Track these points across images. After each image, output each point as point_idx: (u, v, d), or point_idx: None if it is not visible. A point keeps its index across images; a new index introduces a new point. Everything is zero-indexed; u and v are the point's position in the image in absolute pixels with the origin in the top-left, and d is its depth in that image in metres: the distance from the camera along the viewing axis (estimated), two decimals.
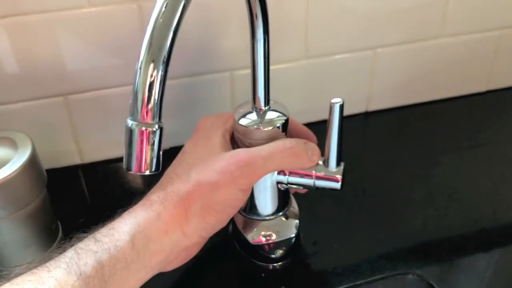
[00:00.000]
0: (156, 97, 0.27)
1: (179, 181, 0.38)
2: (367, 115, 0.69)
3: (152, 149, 0.28)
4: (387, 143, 0.65)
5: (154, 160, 0.29)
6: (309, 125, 0.66)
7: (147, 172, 0.28)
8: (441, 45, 0.67)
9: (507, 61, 0.71)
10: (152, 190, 0.39)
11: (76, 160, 0.61)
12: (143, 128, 0.27)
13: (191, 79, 0.59)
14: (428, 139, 0.65)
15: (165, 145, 0.63)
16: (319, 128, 0.66)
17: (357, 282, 0.46)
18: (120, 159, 0.61)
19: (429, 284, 0.46)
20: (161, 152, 0.28)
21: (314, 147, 0.42)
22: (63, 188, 0.57)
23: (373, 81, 0.67)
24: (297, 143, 0.41)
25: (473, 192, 0.56)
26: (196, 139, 0.42)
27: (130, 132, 0.28)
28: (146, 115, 0.27)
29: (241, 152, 0.39)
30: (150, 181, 0.58)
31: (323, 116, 0.68)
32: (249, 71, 0.61)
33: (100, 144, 0.61)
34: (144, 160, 0.28)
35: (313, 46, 0.61)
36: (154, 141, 0.28)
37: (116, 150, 0.62)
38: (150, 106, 0.27)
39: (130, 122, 0.28)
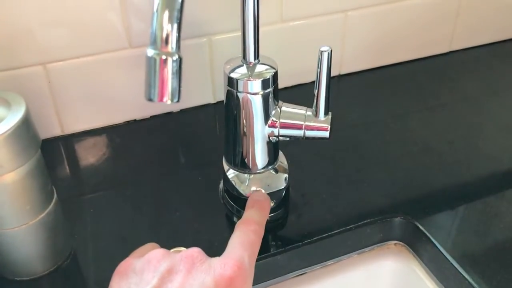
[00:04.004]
0: (176, 27, 0.27)
1: None
2: (340, 78, 0.71)
3: (174, 78, 0.27)
4: (360, 104, 0.67)
5: (177, 90, 0.28)
6: (284, 90, 0.68)
7: (169, 102, 0.28)
8: (407, 7, 0.69)
9: (468, 23, 0.74)
10: None
11: (57, 131, 0.60)
12: (164, 57, 0.27)
13: None
14: (398, 98, 0.67)
15: (145, 113, 0.64)
16: (292, 93, 0.67)
17: (347, 227, 0.48)
18: (101, 129, 0.61)
19: (415, 225, 0.48)
20: (181, 84, 0.28)
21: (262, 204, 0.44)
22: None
23: (345, 44, 0.69)
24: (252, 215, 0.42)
25: (445, 144, 0.59)
26: None
27: (152, 61, 0.27)
28: (167, 44, 0.27)
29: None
30: (131, 154, 0.58)
31: (298, 80, 0.69)
32: (227, 35, 0.62)
33: (81, 114, 0.60)
34: (166, 89, 0.27)
35: (288, 9, 0.62)
36: (176, 70, 0.27)
37: (97, 121, 0.61)
38: (171, 35, 0.27)
39: (151, 52, 0.27)
